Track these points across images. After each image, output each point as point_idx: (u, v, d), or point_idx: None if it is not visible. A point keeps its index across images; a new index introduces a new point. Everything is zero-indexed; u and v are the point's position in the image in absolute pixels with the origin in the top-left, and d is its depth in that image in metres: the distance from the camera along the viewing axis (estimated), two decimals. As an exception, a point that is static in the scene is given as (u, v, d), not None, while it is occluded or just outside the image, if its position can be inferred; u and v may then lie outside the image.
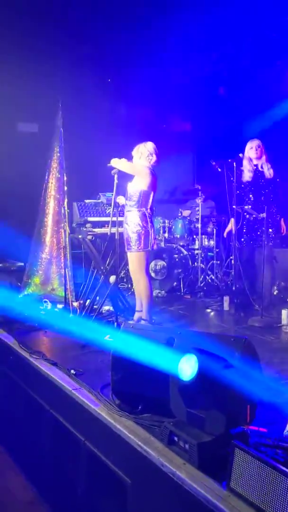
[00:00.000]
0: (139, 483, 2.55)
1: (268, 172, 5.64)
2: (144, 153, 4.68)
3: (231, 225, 5.79)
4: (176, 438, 2.45)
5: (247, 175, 5.72)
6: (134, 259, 4.65)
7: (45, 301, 5.38)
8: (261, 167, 5.67)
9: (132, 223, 4.60)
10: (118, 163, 4.58)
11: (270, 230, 5.61)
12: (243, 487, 2.07)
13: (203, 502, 2.10)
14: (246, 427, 2.50)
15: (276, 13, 6.18)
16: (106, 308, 5.41)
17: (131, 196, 4.62)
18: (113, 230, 4.61)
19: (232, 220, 5.68)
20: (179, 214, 7.46)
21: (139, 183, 4.63)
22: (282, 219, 5.74)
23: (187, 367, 2.43)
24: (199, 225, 6.95)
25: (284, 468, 1.97)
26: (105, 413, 2.86)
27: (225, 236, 6.25)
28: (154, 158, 4.71)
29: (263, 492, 1.99)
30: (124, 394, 2.95)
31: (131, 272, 4.83)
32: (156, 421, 2.70)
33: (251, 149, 5.68)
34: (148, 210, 4.66)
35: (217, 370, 2.43)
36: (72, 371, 3.48)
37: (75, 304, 5.29)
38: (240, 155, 5.71)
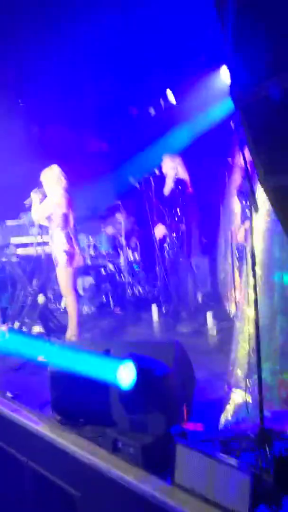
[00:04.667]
0: (88, 493, 2.60)
1: (167, 188, 5.95)
2: (53, 179, 4.81)
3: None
4: (120, 444, 2.55)
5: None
6: (62, 276, 4.75)
7: (-29, 328, 5.24)
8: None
9: (58, 242, 4.72)
10: (37, 213, 4.69)
11: (178, 241, 5.90)
12: (187, 480, 2.21)
13: (151, 500, 2.20)
14: (184, 425, 2.67)
15: (183, 36, 6.54)
16: (36, 329, 5.38)
17: (53, 219, 4.73)
18: (39, 250, 4.64)
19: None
20: (102, 230, 7.60)
21: (58, 206, 4.76)
22: (194, 229, 5.94)
23: (125, 375, 2.54)
24: (123, 240, 7.12)
25: (221, 456, 2.14)
26: (47, 431, 2.88)
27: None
28: (64, 180, 4.86)
29: (205, 481, 2.15)
30: (65, 410, 2.99)
31: (61, 289, 4.91)
32: (99, 431, 2.77)
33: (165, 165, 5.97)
34: (72, 229, 4.81)
35: (153, 374, 2.57)
36: (8, 394, 3.46)
37: (3, 327, 5.21)
38: (157, 171, 5.97)
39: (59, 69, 7.16)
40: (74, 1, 5.81)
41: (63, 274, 4.74)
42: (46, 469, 2.87)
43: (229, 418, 2.77)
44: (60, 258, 4.70)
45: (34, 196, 4.70)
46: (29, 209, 4.99)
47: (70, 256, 4.73)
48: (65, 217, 4.78)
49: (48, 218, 4.78)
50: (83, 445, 2.67)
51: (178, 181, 5.92)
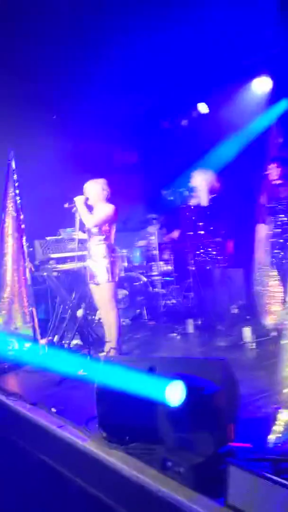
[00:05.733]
0: (136, 512, 2.60)
1: (204, 200, 5.94)
2: (101, 189, 4.82)
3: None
4: (169, 463, 2.54)
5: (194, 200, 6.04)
6: (106, 291, 4.73)
7: (12, 341, 5.32)
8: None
9: (100, 256, 4.71)
10: (89, 222, 4.71)
11: (214, 252, 5.88)
12: (240, 502, 2.19)
13: (204, 521, 2.19)
14: (232, 444, 2.65)
15: (211, 51, 6.57)
16: (74, 342, 5.44)
17: (97, 231, 4.74)
18: (79, 264, 4.70)
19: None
20: (136, 243, 7.65)
21: (109, 219, 4.78)
22: (230, 241, 5.91)
23: (174, 393, 2.54)
24: (156, 252, 7.14)
25: (278, 479, 2.11)
26: (94, 447, 2.90)
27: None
28: (109, 191, 4.88)
29: (259, 502, 2.12)
30: (111, 426, 2.99)
31: (101, 304, 4.89)
32: (146, 449, 2.77)
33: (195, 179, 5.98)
34: (113, 242, 4.82)
35: (202, 393, 2.56)
36: (53, 409, 3.49)
37: (43, 341, 5.29)
38: (190, 184, 5.99)
39: (92, 84, 7.29)
40: (108, 18, 5.91)
41: (105, 288, 4.72)
42: (93, 486, 2.87)
43: (278, 437, 2.73)
44: (102, 271, 4.69)
45: (79, 201, 4.69)
46: (67, 225, 5.05)
47: (112, 268, 4.72)
48: (110, 229, 4.80)
49: (88, 230, 4.79)
50: (131, 463, 2.68)
51: (212, 193, 5.91)
